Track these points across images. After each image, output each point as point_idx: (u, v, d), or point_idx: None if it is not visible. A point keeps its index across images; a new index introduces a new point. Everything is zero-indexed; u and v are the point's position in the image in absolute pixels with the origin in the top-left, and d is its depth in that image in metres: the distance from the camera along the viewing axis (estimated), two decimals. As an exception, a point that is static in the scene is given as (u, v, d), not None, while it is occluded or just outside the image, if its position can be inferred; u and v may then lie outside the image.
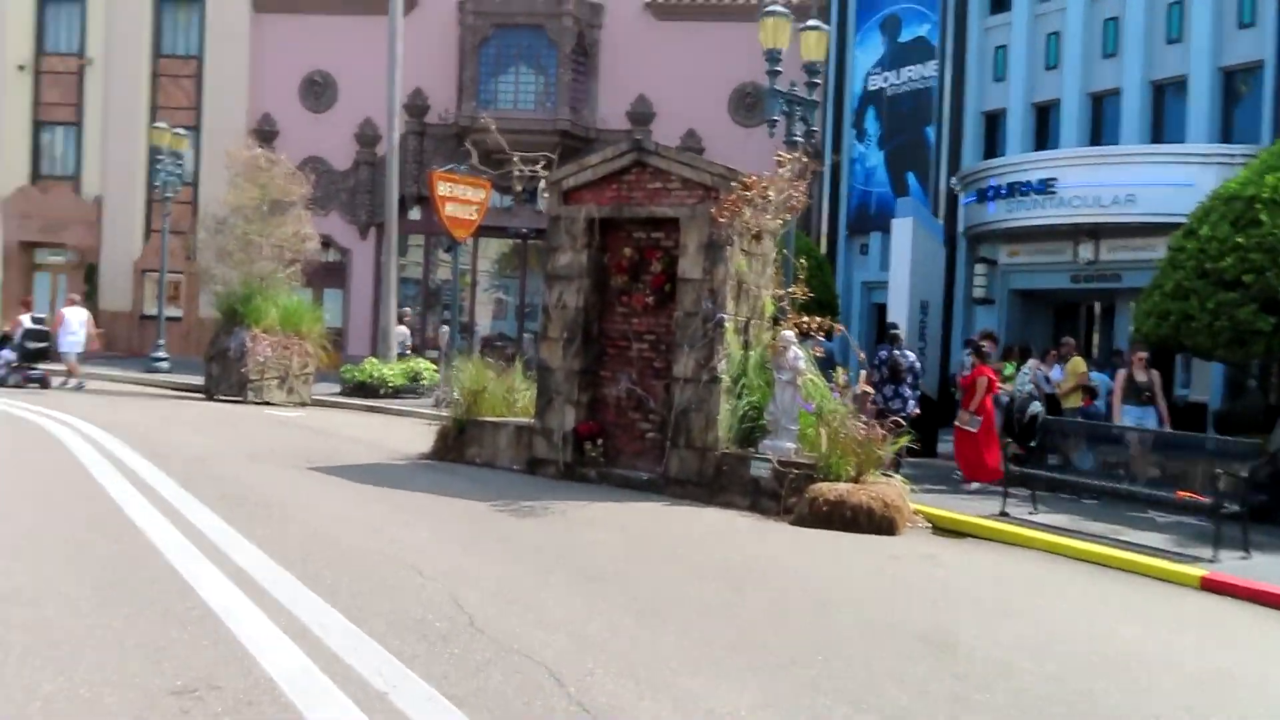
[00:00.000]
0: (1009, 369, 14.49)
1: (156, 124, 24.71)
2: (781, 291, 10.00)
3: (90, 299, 29.33)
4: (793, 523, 8.40)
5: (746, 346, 9.68)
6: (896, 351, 11.50)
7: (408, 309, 24.04)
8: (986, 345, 13.01)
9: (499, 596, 5.37)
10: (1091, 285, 17.49)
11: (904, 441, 9.42)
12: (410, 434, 13.58)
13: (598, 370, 10.38)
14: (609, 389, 10.31)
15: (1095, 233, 16.70)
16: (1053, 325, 19.31)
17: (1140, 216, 15.42)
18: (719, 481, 9.27)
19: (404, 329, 21.69)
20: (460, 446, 11.05)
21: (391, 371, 19.76)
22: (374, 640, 4.45)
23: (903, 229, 14.54)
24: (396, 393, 19.43)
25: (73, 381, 18.64)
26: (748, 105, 25.08)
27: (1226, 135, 16.01)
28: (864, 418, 9.07)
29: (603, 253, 10.30)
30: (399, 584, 5.50)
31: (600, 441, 10.11)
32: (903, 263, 14.46)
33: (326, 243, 25.25)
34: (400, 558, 6.14)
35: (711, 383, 9.35)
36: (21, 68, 30.15)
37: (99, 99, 29.93)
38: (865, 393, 10.01)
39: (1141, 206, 15.38)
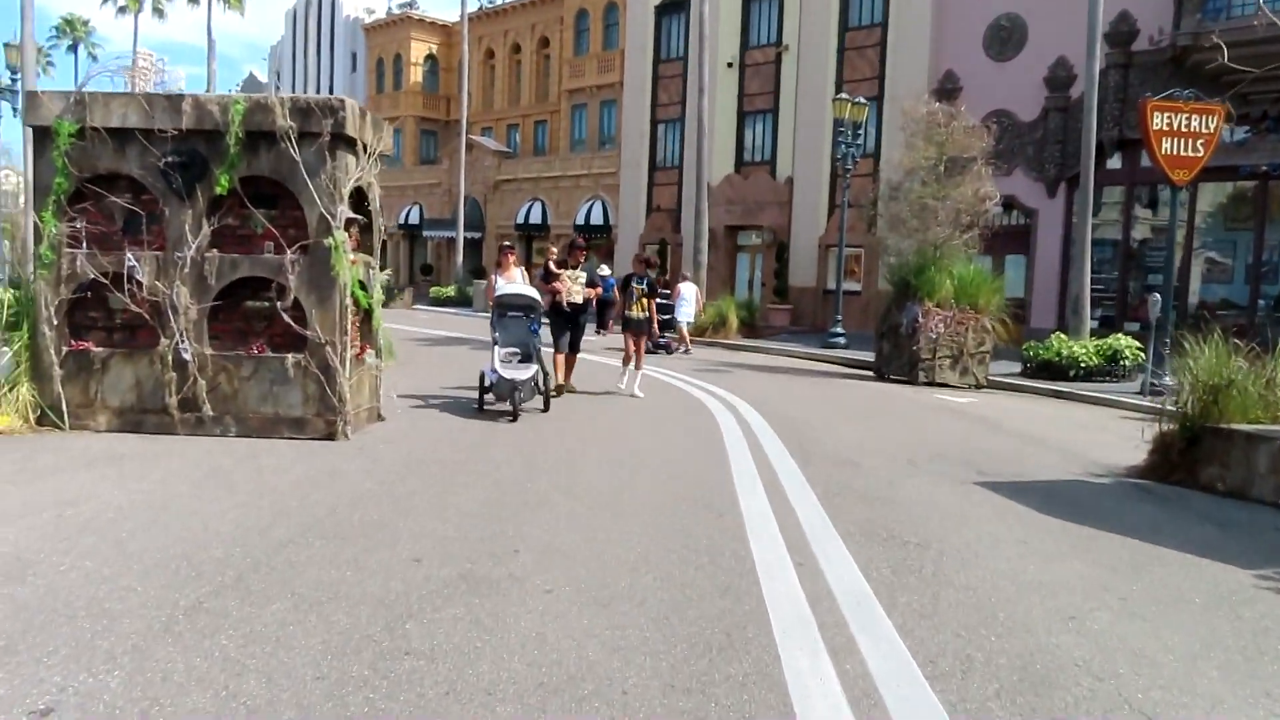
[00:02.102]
0: None
1: (837, 96, 24.52)
2: None
3: (780, 276, 30.81)
4: None
5: None
6: None
7: None
8: None
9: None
10: None
11: None
12: (1110, 433, 10.71)
13: None
14: None
15: None
16: None
17: None
18: None
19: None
20: (1190, 463, 7.95)
21: (1083, 350, 16.67)
22: None
23: None
24: (1089, 375, 16.35)
25: (682, 348, 20.59)
26: None
27: None
28: None
29: None
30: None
31: None
32: None
33: (1009, 204, 22.76)
34: (1107, 676, 3.76)
35: None
36: (730, 64, 32.74)
37: (791, 84, 31.20)
38: None
39: None
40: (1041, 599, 4.72)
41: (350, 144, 8.73)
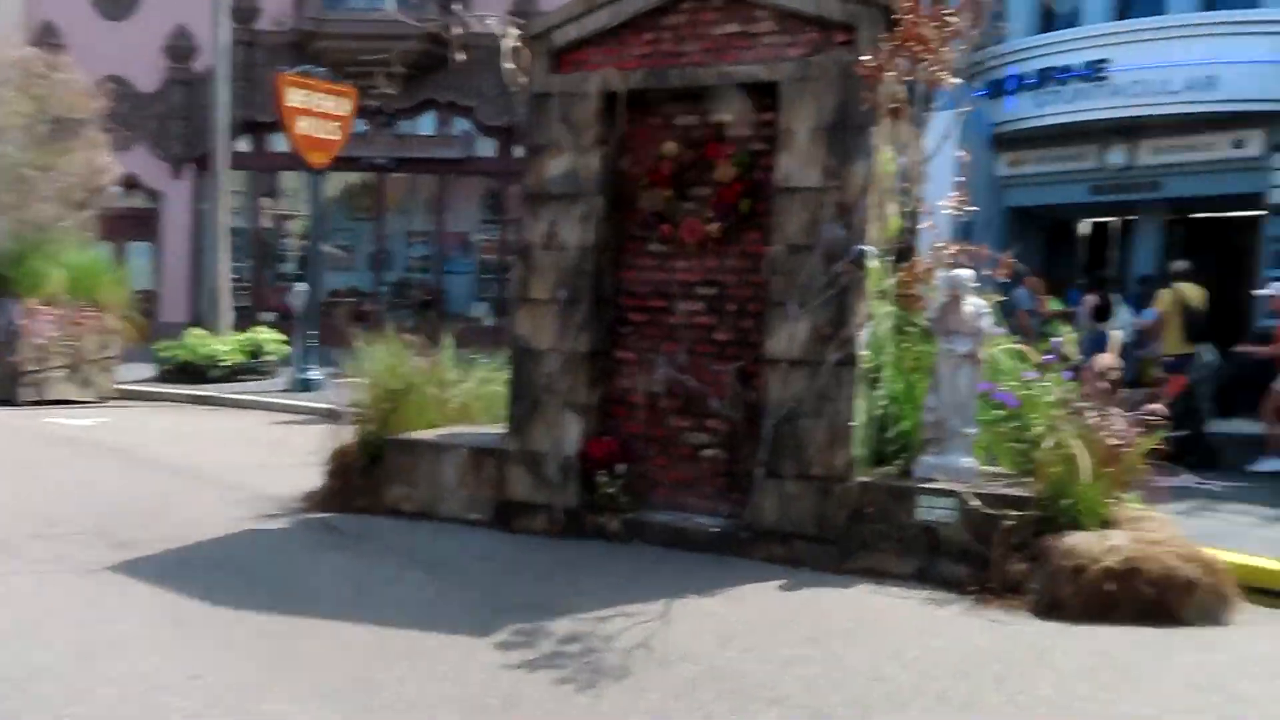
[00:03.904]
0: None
1: (-124, 29, 18.39)
2: (919, 204, 6.14)
3: None
4: (1039, 612, 4.67)
5: (882, 299, 5.81)
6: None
7: None
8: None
9: None
10: (1119, 197, 14.46)
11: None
12: (269, 447, 9.18)
13: (611, 351, 6.30)
14: (633, 380, 6.25)
15: (1134, 131, 13.62)
16: (1045, 249, 16.32)
17: (1220, 105, 12.37)
18: (857, 534, 5.42)
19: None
20: (375, 485, 6.72)
21: (225, 346, 14.95)
22: None
23: (942, 127, 10.80)
24: (233, 374, 14.70)
25: None
26: None
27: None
28: (1104, 410, 5.38)
29: (621, 153, 6.15)
30: None
31: (622, 469, 6.07)
32: (942, 171, 10.78)
33: (131, 183, 19.84)
34: None
35: (842, 366, 5.43)
36: None
37: None
38: (1109, 371, 6.26)
39: (1225, 91, 12.30)
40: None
41: None
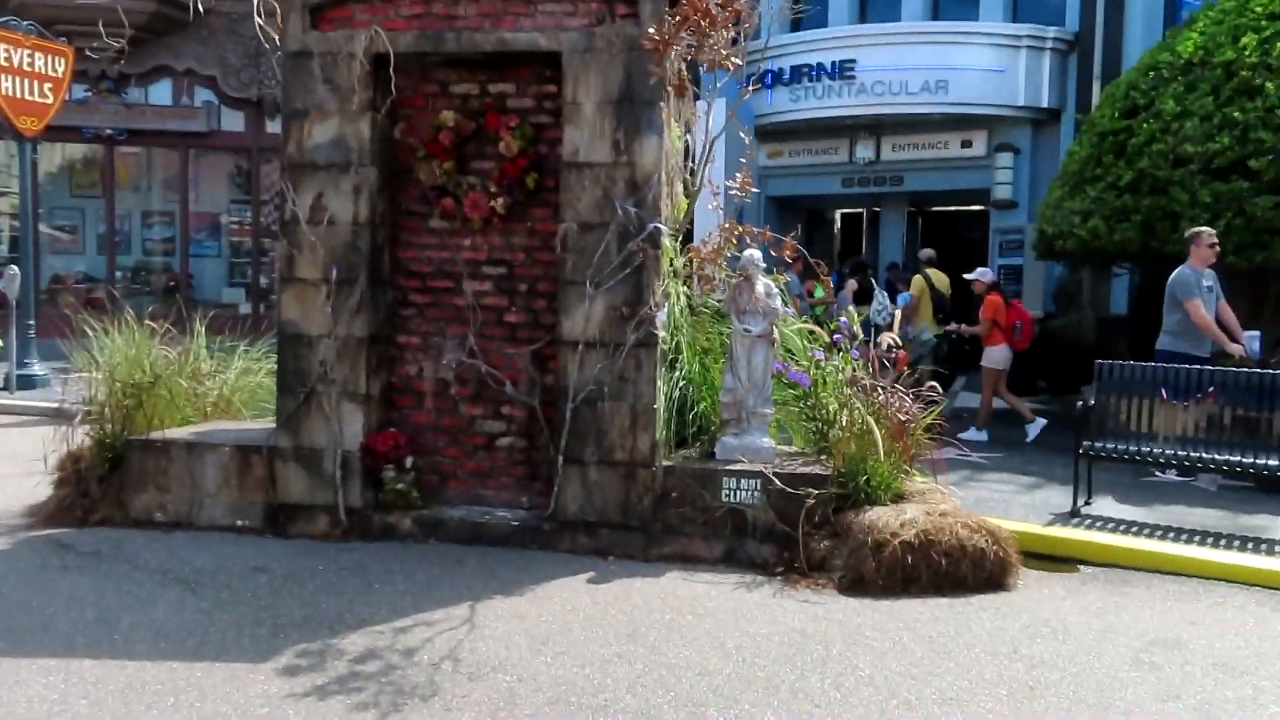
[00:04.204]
0: (819, 291, 12.22)
1: None
2: (706, 184, 6.08)
3: None
4: (845, 589, 4.71)
5: (674, 279, 5.68)
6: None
7: None
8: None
9: None
10: (867, 190, 15.32)
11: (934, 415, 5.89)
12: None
13: (393, 336, 5.82)
14: (418, 367, 5.80)
15: (878, 128, 14.45)
16: (804, 236, 17.09)
17: (951, 107, 13.29)
18: (663, 519, 5.29)
19: None
20: (117, 493, 5.87)
21: (-83, 344, 12.90)
22: None
23: (721, 110, 10.95)
24: (-72, 376, 12.74)
25: None
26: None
27: (1014, 14, 14.24)
28: (890, 386, 5.52)
29: (394, 121, 5.66)
30: None
31: (411, 463, 5.64)
32: (720, 155, 10.92)
33: None
34: None
35: (641, 347, 5.26)
36: None
37: None
38: (892, 346, 6.37)
39: (955, 95, 13.22)
40: None
41: None
